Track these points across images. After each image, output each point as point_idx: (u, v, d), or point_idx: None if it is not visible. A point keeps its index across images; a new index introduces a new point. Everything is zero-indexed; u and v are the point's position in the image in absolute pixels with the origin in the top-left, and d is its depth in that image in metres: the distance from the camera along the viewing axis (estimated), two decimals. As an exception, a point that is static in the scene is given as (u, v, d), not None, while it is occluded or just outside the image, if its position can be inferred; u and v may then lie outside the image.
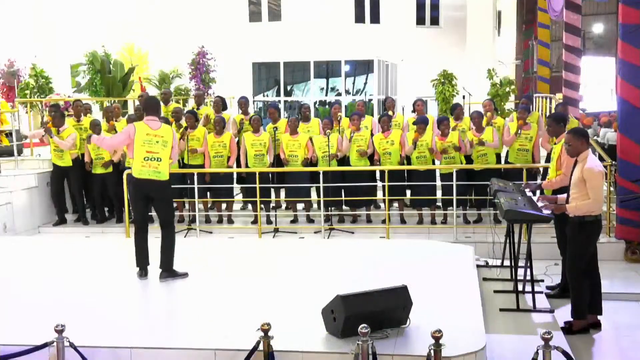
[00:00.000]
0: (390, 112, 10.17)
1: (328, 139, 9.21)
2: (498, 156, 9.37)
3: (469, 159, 9.30)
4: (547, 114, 12.31)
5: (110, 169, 9.81)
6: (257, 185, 9.00)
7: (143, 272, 6.27)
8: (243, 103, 10.46)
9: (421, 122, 9.16)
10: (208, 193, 9.80)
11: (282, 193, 10.00)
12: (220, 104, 10.44)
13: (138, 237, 6.28)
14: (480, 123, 9.17)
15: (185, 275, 6.29)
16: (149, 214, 6.47)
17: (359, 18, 20.55)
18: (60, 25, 17.25)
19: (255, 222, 9.47)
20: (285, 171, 9.47)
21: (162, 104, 11.17)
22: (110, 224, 10.09)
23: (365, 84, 19.33)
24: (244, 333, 4.58)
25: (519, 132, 8.97)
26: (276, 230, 9.32)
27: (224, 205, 9.98)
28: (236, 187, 10.10)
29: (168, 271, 6.23)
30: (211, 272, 6.52)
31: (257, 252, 7.64)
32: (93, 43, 16.67)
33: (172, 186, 6.50)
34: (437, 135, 9.20)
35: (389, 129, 9.32)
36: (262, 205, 9.39)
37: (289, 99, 19.11)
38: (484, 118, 9.37)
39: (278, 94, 19.21)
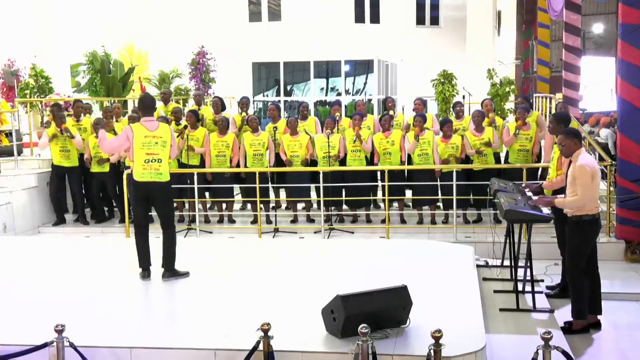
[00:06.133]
0: (391, 112, 10.18)
1: (328, 139, 9.21)
2: (498, 156, 9.37)
3: (468, 159, 9.30)
4: (548, 114, 12.30)
5: (106, 168, 9.80)
6: (257, 185, 9.00)
7: (146, 273, 6.24)
8: (245, 103, 10.47)
9: (419, 117, 9.19)
10: (207, 193, 9.81)
11: (282, 193, 10.00)
12: (220, 105, 10.46)
13: (139, 237, 6.25)
14: (480, 122, 9.16)
15: (186, 274, 6.30)
16: (149, 214, 6.46)
17: (359, 18, 20.56)
18: (60, 25, 17.21)
19: (255, 222, 9.47)
20: (285, 171, 9.48)
21: (161, 103, 11.21)
22: (110, 224, 10.09)
23: (365, 84, 19.36)
24: (244, 333, 4.58)
25: (517, 132, 8.97)
26: (276, 230, 9.32)
27: (224, 205, 9.98)
28: (236, 187, 10.10)
29: (170, 270, 6.23)
30: (211, 272, 6.51)
31: (257, 252, 7.63)
32: (93, 43, 16.66)
33: (172, 186, 6.49)
34: (440, 137, 9.19)
35: (389, 128, 9.32)
36: (262, 205, 9.39)
37: (289, 99, 19.13)
38: (486, 118, 9.35)
39: (278, 94, 19.23)
